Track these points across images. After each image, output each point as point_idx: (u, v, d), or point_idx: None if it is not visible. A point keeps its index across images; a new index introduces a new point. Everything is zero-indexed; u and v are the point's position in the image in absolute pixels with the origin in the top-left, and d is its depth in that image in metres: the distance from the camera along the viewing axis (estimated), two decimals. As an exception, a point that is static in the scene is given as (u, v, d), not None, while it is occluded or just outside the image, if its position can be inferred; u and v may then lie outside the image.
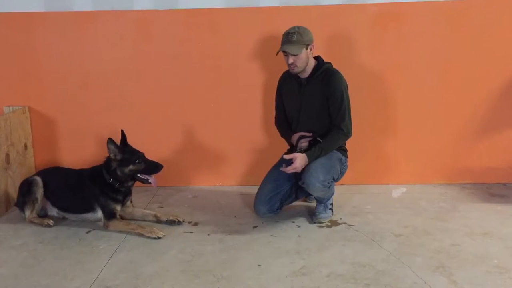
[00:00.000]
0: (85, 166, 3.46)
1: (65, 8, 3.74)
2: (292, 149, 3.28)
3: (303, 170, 3.11)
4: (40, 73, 3.84)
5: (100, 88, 3.86)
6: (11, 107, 3.79)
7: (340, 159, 3.24)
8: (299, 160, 3.04)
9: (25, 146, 3.82)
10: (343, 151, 3.29)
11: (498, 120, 3.84)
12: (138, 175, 3.18)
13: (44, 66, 3.83)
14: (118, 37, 3.79)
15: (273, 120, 3.60)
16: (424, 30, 3.70)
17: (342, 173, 3.30)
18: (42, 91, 3.87)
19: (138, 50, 3.80)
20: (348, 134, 3.17)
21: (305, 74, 3.21)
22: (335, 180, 3.25)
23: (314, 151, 3.10)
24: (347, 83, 3.19)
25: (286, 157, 3.10)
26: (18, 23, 3.76)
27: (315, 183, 3.05)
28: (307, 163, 3.08)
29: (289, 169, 3.05)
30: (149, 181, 3.19)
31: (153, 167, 3.18)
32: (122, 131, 3.21)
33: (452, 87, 3.79)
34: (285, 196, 3.32)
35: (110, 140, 3.12)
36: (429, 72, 3.76)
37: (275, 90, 3.52)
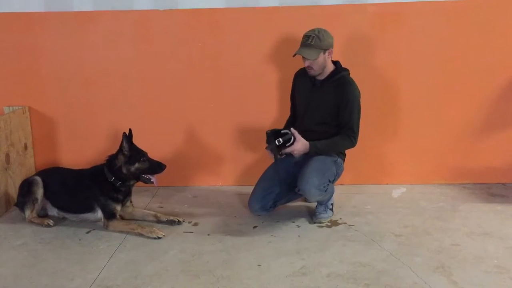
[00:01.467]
0: (85, 166, 3.46)
1: (65, 8, 3.74)
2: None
3: (298, 176, 3.11)
4: (40, 73, 3.84)
5: (100, 88, 3.86)
6: (11, 107, 3.79)
7: (336, 161, 3.23)
8: (300, 143, 3.04)
9: (25, 146, 3.82)
10: (339, 152, 3.28)
11: (498, 120, 3.84)
12: (142, 174, 3.19)
13: (44, 66, 3.83)
14: (118, 37, 3.79)
15: (274, 118, 3.60)
16: (424, 30, 3.70)
17: (338, 175, 3.29)
18: (42, 91, 3.87)
19: (138, 50, 3.80)
20: (353, 143, 3.17)
21: (321, 77, 3.20)
22: (331, 182, 3.23)
23: (318, 143, 3.10)
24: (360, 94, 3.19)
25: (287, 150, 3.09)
26: (18, 23, 3.76)
27: (310, 189, 3.04)
28: (307, 151, 3.08)
29: (287, 150, 3.05)
30: (151, 180, 3.20)
31: (156, 167, 3.19)
32: (130, 130, 3.21)
33: (452, 87, 3.79)
34: (278, 196, 3.31)
35: (125, 135, 3.15)
36: (429, 72, 3.76)
37: (275, 90, 3.53)
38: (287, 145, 3.04)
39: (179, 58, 3.80)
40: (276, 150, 3.06)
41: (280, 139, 3.02)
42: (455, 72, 3.76)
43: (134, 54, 3.81)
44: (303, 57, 3.10)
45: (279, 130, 3.10)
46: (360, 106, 3.16)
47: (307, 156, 3.14)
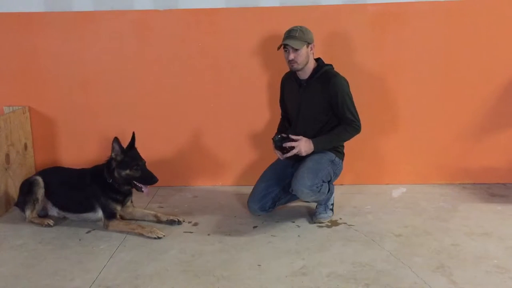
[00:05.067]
0: (85, 166, 3.46)
1: (65, 8, 3.74)
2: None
3: (292, 177, 3.12)
4: (40, 73, 3.84)
5: (100, 88, 3.86)
6: (11, 107, 3.79)
7: (333, 161, 3.22)
8: (303, 142, 3.07)
9: (25, 146, 3.82)
10: (337, 152, 3.27)
11: (498, 120, 3.84)
12: (134, 181, 3.16)
13: (44, 66, 3.83)
14: (118, 37, 3.79)
15: (274, 119, 3.60)
16: (424, 30, 3.70)
17: (336, 174, 3.28)
18: (42, 91, 3.87)
19: (138, 50, 3.80)
20: (358, 129, 3.17)
21: (305, 75, 3.22)
22: (329, 181, 3.23)
23: (321, 138, 3.13)
24: (348, 82, 3.19)
25: (288, 145, 3.10)
26: (18, 23, 3.75)
27: (303, 190, 3.05)
28: (312, 147, 3.10)
29: (290, 154, 3.09)
30: (142, 189, 3.17)
31: (148, 178, 3.15)
32: (133, 133, 3.20)
33: (452, 87, 3.79)
34: (277, 197, 3.32)
35: (116, 139, 3.12)
36: (429, 72, 3.76)
37: (276, 90, 3.54)
38: (288, 142, 3.11)
39: (179, 58, 3.80)
40: (279, 143, 3.15)
41: (279, 136, 3.16)
42: (455, 72, 3.76)
43: (134, 54, 3.80)
44: (286, 51, 3.12)
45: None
46: (350, 94, 3.16)
47: (308, 155, 3.15)
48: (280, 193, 3.32)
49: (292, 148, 3.09)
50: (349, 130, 3.17)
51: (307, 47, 3.12)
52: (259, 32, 3.72)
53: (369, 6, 3.66)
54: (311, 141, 3.11)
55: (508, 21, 3.68)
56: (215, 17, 3.73)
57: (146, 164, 3.20)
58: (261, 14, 3.71)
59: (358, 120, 3.16)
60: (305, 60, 3.13)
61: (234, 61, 3.80)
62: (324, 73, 3.18)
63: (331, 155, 3.21)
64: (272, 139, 3.19)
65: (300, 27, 3.12)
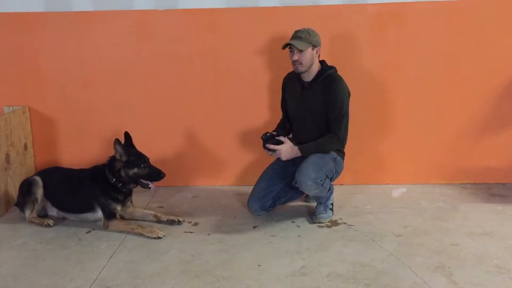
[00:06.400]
0: (85, 166, 3.46)
1: (65, 8, 3.74)
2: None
3: (295, 170, 3.13)
4: (40, 73, 3.84)
5: (100, 88, 3.86)
6: (11, 107, 3.79)
7: (335, 159, 3.22)
8: (284, 148, 3.12)
9: (25, 146, 3.82)
10: (339, 151, 3.27)
11: (498, 120, 3.84)
12: (141, 180, 3.18)
13: (44, 66, 3.83)
14: (118, 37, 3.79)
15: (274, 119, 3.59)
16: (424, 30, 3.70)
17: (337, 173, 3.29)
18: (42, 91, 3.87)
19: (138, 50, 3.80)
20: (342, 141, 3.18)
21: (309, 78, 3.21)
22: (330, 179, 3.24)
23: (307, 145, 3.15)
24: (348, 85, 3.18)
25: (271, 147, 3.15)
26: (18, 23, 3.76)
27: (306, 181, 3.05)
28: (294, 154, 3.14)
29: (271, 154, 3.17)
30: (149, 186, 3.18)
31: (156, 175, 3.17)
32: (126, 132, 3.21)
33: (452, 87, 3.79)
34: (277, 195, 3.33)
35: (117, 141, 3.12)
36: (429, 72, 3.76)
37: (276, 90, 3.54)
38: (271, 142, 3.16)
39: (179, 58, 3.80)
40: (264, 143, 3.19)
41: (267, 134, 3.18)
42: (455, 72, 3.76)
43: (134, 54, 3.80)
44: (291, 51, 3.12)
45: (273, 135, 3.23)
46: (347, 104, 3.16)
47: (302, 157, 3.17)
48: (280, 192, 3.32)
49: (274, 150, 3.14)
50: (332, 141, 3.18)
51: (313, 49, 3.11)
52: (259, 32, 3.72)
53: (369, 6, 3.66)
54: (296, 148, 3.13)
55: (508, 21, 3.68)
56: (215, 17, 3.73)
57: (150, 160, 3.23)
58: (261, 14, 3.71)
59: (343, 132, 3.15)
60: (309, 62, 3.13)
61: (234, 61, 3.80)
62: (327, 76, 3.18)
63: (333, 154, 3.22)
64: (261, 137, 3.20)
65: (308, 29, 3.13)
